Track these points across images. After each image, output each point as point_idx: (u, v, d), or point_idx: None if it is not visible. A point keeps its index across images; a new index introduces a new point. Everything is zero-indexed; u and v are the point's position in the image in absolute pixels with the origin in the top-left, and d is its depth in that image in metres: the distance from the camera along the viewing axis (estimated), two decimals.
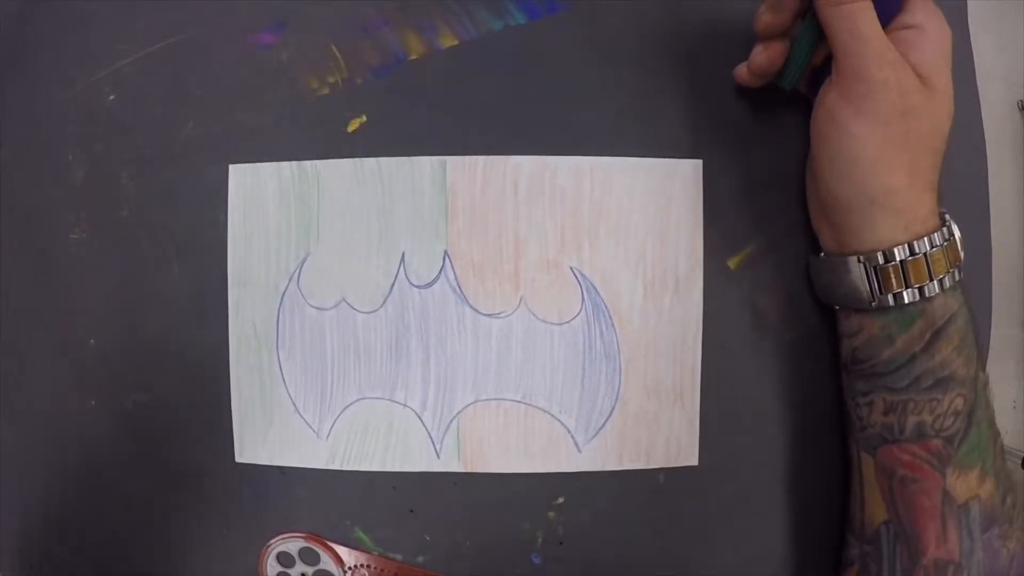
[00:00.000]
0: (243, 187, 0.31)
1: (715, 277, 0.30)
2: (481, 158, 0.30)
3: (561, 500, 0.30)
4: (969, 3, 0.32)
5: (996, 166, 0.33)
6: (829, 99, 0.26)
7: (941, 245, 0.26)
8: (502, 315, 0.30)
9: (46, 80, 0.32)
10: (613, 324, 0.30)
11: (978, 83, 0.32)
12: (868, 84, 0.25)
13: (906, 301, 0.26)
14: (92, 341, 0.31)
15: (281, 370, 0.30)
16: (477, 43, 0.31)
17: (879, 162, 0.25)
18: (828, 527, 0.31)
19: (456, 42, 0.31)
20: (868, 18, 0.25)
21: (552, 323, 0.30)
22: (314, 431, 0.30)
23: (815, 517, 0.31)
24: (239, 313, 0.30)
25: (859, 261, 0.26)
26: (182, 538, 0.31)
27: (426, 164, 0.30)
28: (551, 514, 0.30)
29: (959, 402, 0.26)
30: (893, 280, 0.26)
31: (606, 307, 0.30)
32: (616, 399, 0.30)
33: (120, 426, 0.31)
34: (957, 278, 0.26)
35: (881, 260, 0.26)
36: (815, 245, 0.30)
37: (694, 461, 0.30)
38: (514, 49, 0.31)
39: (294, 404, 0.30)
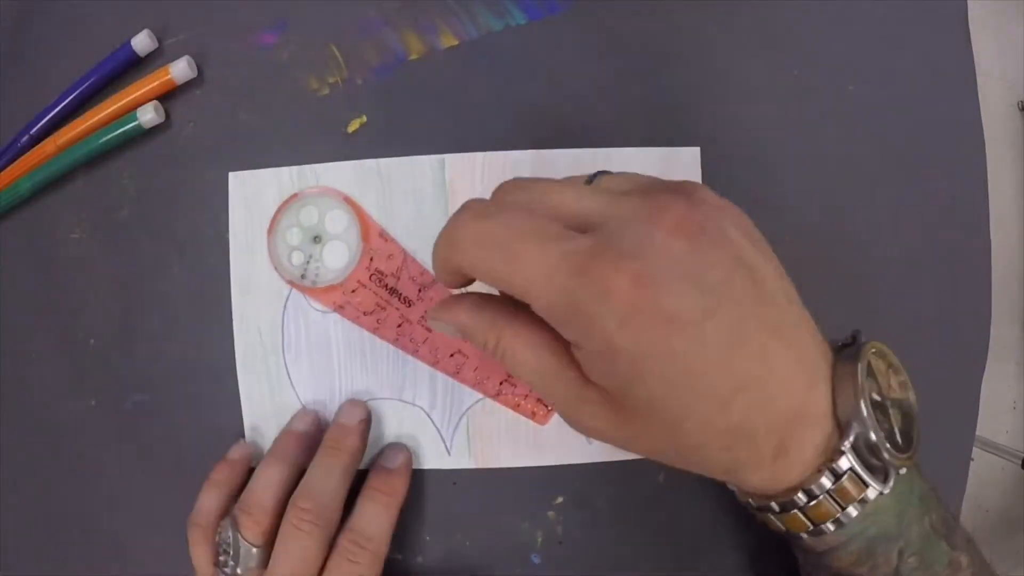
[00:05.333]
0: (243, 193, 0.31)
1: None
2: (480, 154, 0.30)
3: (560, 500, 0.30)
4: (969, 3, 0.32)
5: (996, 166, 0.33)
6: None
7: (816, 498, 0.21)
8: None
9: (46, 80, 0.32)
10: None
11: (978, 83, 0.32)
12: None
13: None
14: (92, 341, 0.31)
15: (289, 375, 0.30)
16: (477, 43, 0.31)
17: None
18: None
19: (456, 42, 0.31)
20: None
21: None
22: None
23: None
24: (243, 319, 0.30)
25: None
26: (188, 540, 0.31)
27: (425, 162, 0.30)
28: (550, 514, 0.30)
29: None
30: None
31: None
32: None
33: (120, 426, 0.31)
34: (853, 514, 0.21)
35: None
36: (814, 230, 0.30)
37: None
38: (514, 49, 0.31)
39: (304, 408, 0.30)
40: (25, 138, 0.31)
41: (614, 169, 0.30)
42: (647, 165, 0.30)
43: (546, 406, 0.30)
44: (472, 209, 0.21)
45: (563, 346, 0.21)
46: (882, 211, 0.31)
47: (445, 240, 0.21)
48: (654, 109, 0.30)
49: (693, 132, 0.30)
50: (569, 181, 0.23)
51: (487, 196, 0.30)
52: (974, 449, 0.32)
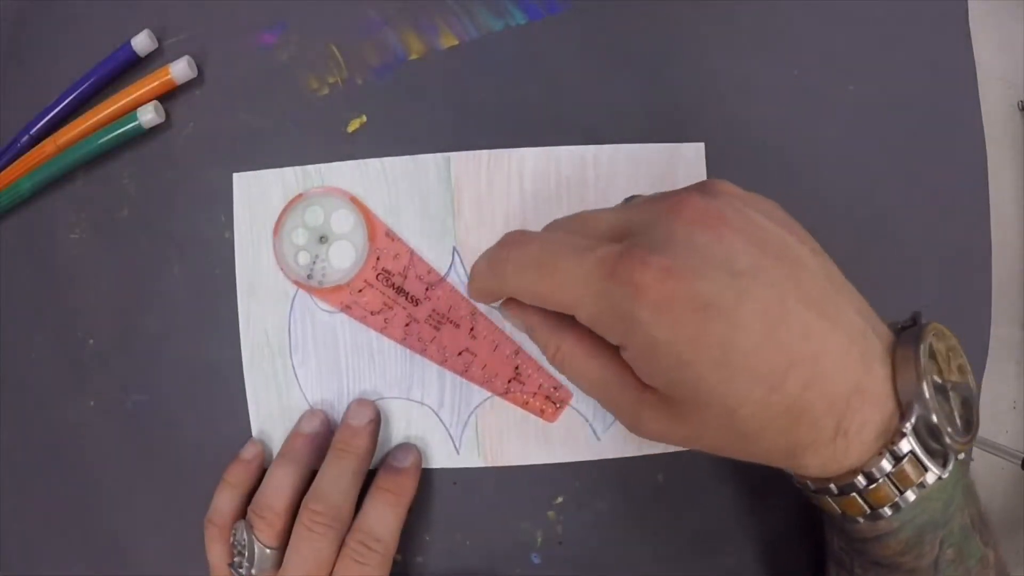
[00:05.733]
0: (247, 194, 0.30)
1: None
2: (485, 152, 0.30)
3: (560, 500, 0.30)
4: (969, 3, 0.32)
5: (996, 166, 0.33)
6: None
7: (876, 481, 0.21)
8: None
9: (46, 80, 0.32)
10: None
11: (978, 83, 0.32)
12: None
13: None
14: (92, 341, 0.31)
15: (296, 376, 0.30)
16: (477, 43, 0.31)
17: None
18: None
19: (456, 42, 0.31)
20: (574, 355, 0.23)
21: None
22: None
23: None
24: (250, 321, 0.30)
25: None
26: (188, 539, 0.31)
27: (430, 161, 0.30)
28: (550, 514, 0.30)
29: None
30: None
31: None
32: None
33: (120, 426, 0.31)
34: (910, 499, 0.21)
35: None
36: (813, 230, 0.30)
37: None
38: (514, 49, 0.31)
39: (312, 409, 0.30)
40: (25, 138, 0.31)
41: (620, 165, 0.30)
42: (652, 161, 0.30)
43: (554, 403, 0.30)
44: (512, 238, 0.23)
45: (614, 353, 0.21)
46: (882, 210, 0.31)
47: (488, 268, 0.23)
48: (653, 110, 0.30)
49: (693, 132, 0.30)
50: (604, 208, 0.24)
51: (493, 193, 0.30)
52: (974, 449, 0.32)
